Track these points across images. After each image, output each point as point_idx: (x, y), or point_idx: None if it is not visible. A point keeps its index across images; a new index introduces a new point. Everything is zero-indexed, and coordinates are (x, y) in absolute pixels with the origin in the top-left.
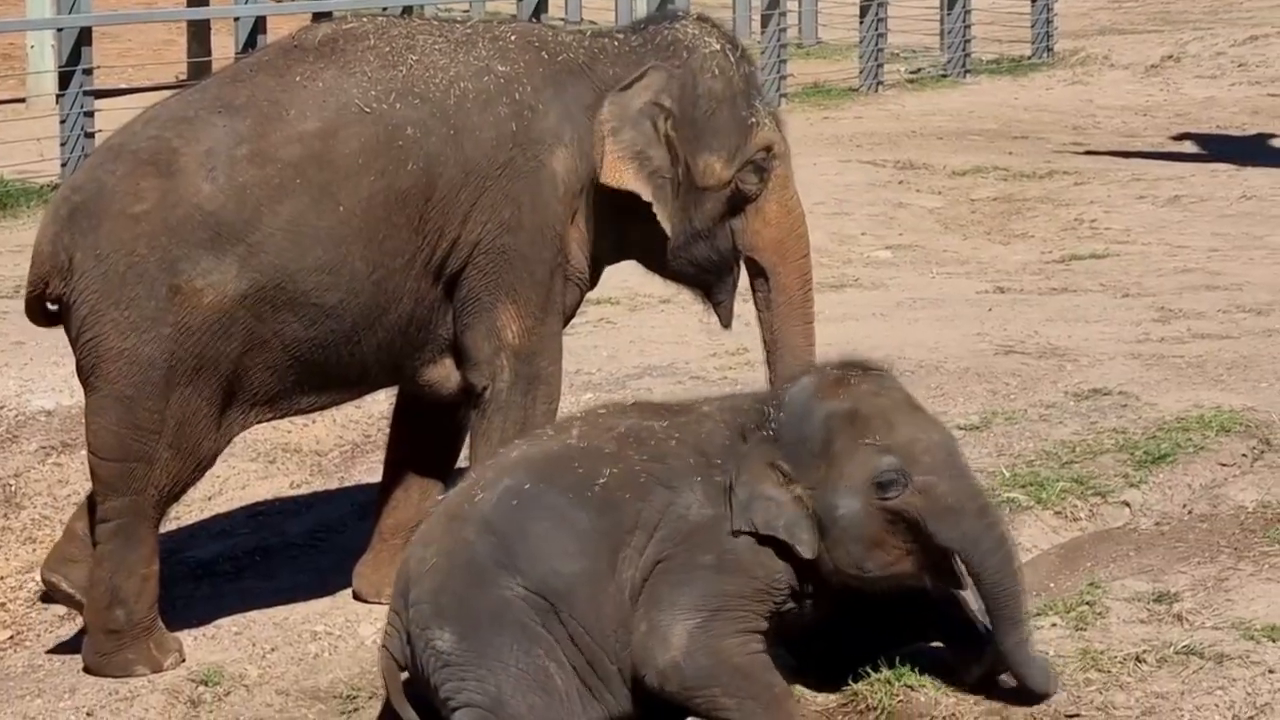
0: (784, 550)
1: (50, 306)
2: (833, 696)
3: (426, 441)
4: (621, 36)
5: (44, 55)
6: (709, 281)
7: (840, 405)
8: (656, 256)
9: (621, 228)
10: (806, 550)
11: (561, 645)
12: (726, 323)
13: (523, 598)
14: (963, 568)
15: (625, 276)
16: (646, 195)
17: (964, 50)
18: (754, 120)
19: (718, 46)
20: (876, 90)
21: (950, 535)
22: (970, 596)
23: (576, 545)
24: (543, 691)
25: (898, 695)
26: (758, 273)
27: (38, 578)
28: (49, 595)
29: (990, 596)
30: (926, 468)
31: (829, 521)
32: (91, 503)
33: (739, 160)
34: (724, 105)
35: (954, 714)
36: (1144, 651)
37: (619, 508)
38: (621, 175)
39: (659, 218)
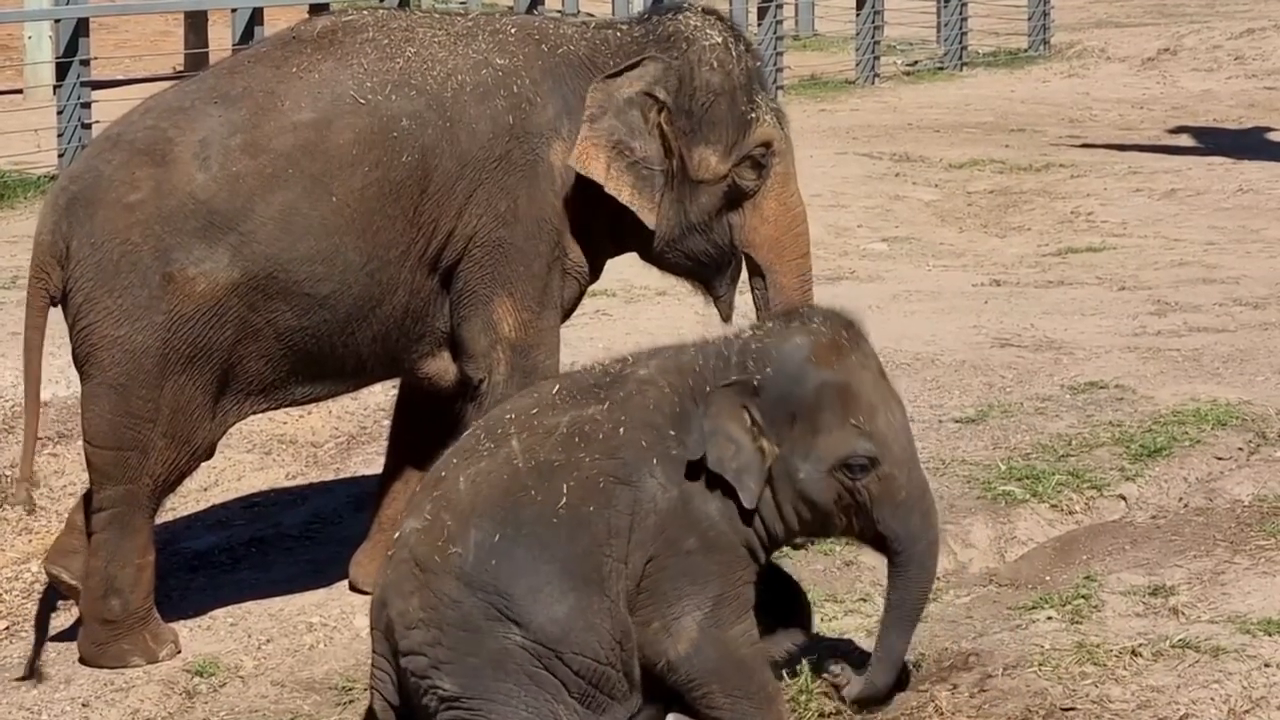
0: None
1: (54, 303)
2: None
3: (427, 433)
4: (624, 28)
5: (41, 46)
6: (707, 275)
7: (835, 377)
8: (652, 249)
9: (618, 220)
10: (748, 499)
11: (567, 685)
12: (726, 317)
13: (523, 646)
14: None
15: (621, 269)
16: (610, 186)
17: (960, 43)
18: (753, 115)
19: (719, 39)
20: (873, 83)
21: (893, 526)
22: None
23: (561, 584)
24: None
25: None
26: (755, 270)
27: (34, 568)
28: (49, 586)
29: (900, 591)
30: (894, 459)
31: (784, 481)
32: (90, 494)
33: (736, 155)
34: (721, 99)
35: (950, 708)
36: (1140, 645)
37: (588, 524)
38: (589, 162)
39: (634, 209)
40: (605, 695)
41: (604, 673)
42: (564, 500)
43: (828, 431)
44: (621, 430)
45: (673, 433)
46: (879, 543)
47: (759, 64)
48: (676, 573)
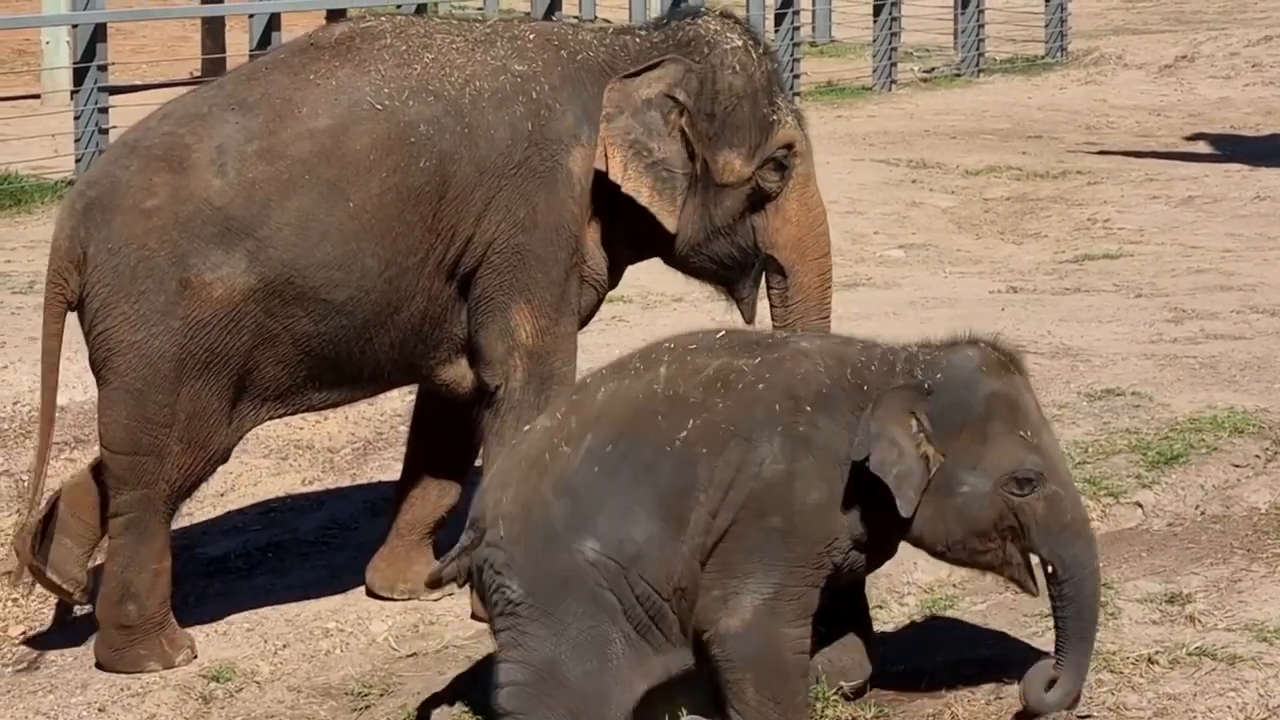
0: (873, 502)
1: (71, 308)
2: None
3: (445, 439)
4: (643, 34)
5: (59, 51)
6: (731, 278)
7: (1005, 389)
8: (676, 253)
9: (639, 225)
10: (905, 507)
11: (627, 608)
12: (749, 319)
13: (594, 562)
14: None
15: (638, 275)
16: (628, 186)
17: (978, 49)
18: (775, 117)
19: (740, 43)
20: (890, 89)
21: (1057, 551)
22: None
23: (652, 508)
24: (598, 658)
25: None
26: (775, 270)
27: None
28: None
29: (1073, 620)
30: (1060, 479)
31: (946, 492)
32: (100, 488)
33: (759, 157)
34: (745, 102)
35: (967, 716)
36: (1156, 653)
37: (696, 464)
38: (607, 161)
39: (653, 211)
40: (659, 632)
41: (662, 608)
42: (684, 434)
43: (996, 441)
44: (760, 387)
45: (809, 409)
46: (1022, 575)
47: (777, 66)
48: (751, 547)
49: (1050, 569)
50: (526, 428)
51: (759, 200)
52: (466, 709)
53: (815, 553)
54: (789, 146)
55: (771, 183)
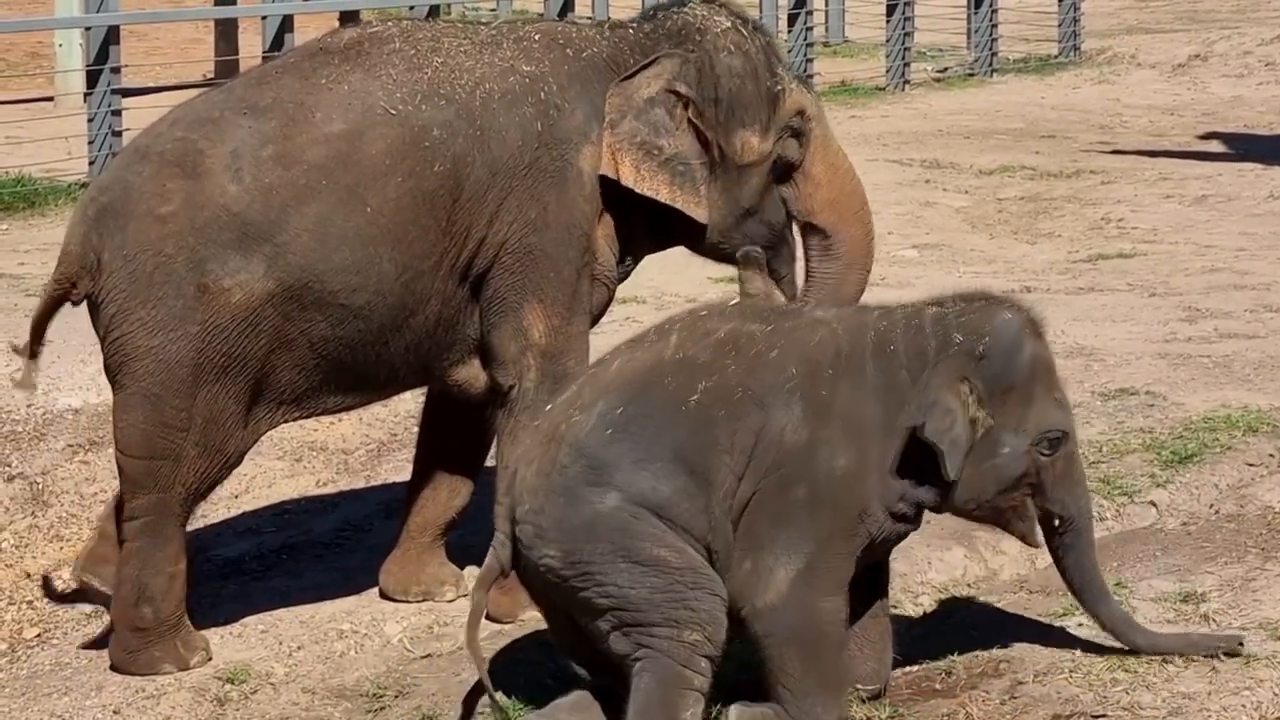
0: (918, 467)
1: (73, 303)
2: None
3: (455, 440)
4: (635, 25)
5: (72, 54)
6: (767, 257)
7: (1043, 351)
8: (708, 241)
9: (663, 219)
10: (953, 471)
11: (672, 532)
12: (792, 297)
13: (616, 508)
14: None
15: (651, 275)
16: (643, 188)
17: (991, 49)
18: (780, 88)
19: (729, 24)
20: (903, 89)
21: (1069, 503)
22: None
23: (672, 466)
24: (659, 573)
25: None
26: (814, 233)
27: (65, 575)
28: (79, 593)
29: (1082, 567)
30: (1075, 437)
31: (989, 454)
32: (120, 502)
33: (774, 130)
34: (747, 80)
35: (981, 715)
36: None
37: (714, 425)
38: (617, 168)
39: (678, 206)
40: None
41: (702, 548)
42: (696, 396)
43: (1038, 403)
44: (774, 354)
45: (829, 373)
46: (1032, 529)
47: (770, 39)
48: (776, 517)
49: (1058, 521)
50: (548, 406)
51: (784, 172)
52: (482, 710)
53: (845, 523)
54: (800, 113)
55: (792, 152)
